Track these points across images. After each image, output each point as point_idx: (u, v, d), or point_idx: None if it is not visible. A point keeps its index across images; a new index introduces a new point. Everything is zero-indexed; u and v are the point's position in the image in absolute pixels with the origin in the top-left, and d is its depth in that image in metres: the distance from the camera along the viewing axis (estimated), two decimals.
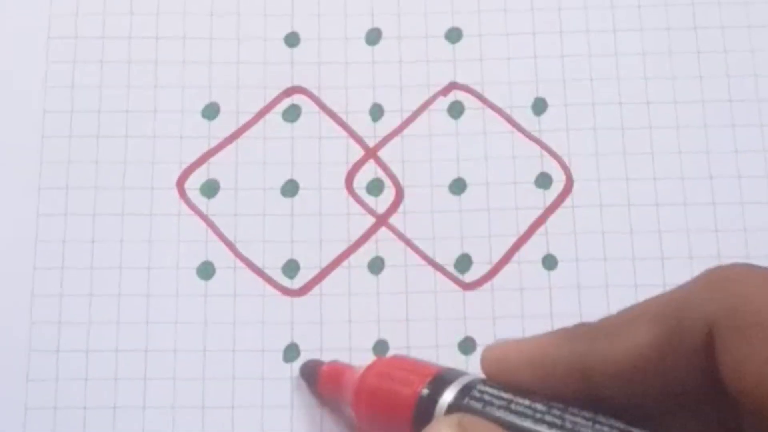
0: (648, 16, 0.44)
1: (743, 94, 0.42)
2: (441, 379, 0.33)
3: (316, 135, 0.42)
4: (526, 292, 0.41)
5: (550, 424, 0.30)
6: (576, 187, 0.42)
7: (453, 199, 0.42)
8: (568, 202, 0.41)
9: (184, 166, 0.42)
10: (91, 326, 0.40)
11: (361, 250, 0.41)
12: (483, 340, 0.40)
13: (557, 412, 0.30)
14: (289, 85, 0.43)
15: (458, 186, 0.42)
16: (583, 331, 0.30)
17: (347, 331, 0.40)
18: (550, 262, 0.41)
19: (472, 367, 0.39)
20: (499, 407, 0.30)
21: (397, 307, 0.40)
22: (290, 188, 0.42)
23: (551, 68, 0.43)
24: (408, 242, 0.41)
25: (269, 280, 0.41)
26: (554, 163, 0.42)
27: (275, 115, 0.43)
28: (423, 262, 0.41)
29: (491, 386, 0.31)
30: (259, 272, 0.41)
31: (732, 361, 0.27)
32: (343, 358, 0.40)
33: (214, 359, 0.40)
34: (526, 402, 0.30)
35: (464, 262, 0.41)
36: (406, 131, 0.42)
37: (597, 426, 0.29)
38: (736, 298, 0.27)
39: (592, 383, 0.29)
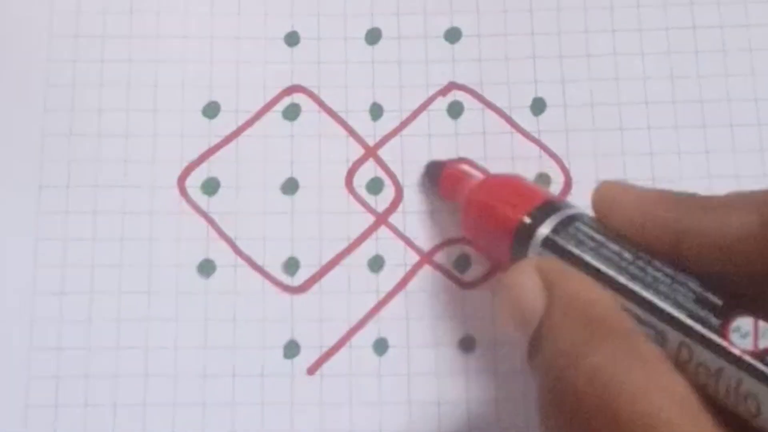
0: (647, 16, 0.44)
1: (742, 93, 0.43)
2: (545, 208, 0.35)
3: (315, 134, 0.43)
4: None
5: (632, 275, 0.31)
6: (575, 187, 0.42)
7: None
8: None
9: (185, 165, 0.42)
10: (92, 324, 0.40)
11: (361, 248, 0.41)
12: (482, 339, 0.40)
13: (641, 264, 0.32)
14: (289, 84, 0.43)
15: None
16: (687, 199, 0.33)
17: (347, 329, 0.40)
18: None
19: (473, 366, 0.40)
20: (590, 248, 0.32)
21: (397, 305, 0.41)
22: (290, 186, 0.42)
23: (550, 69, 0.43)
24: (407, 241, 0.41)
25: (269, 277, 0.41)
26: (553, 163, 0.42)
27: (275, 114, 0.43)
28: (422, 261, 0.41)
29: (588, 225, 0.33)
30: (260, 269, 0.41)
31: None
32: (343, 355, 0.40)
33: (214, 356, 0.40)
34: (616, 248, 0.32)
35: (463, 261, 0.41)
36: (405, 131, 0.43)
37: (675, 285, 0.31)
38: None
39: (683, 248, 0.32)
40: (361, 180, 0.42)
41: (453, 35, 0.44)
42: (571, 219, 0.34)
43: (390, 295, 0.41)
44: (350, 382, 0.40)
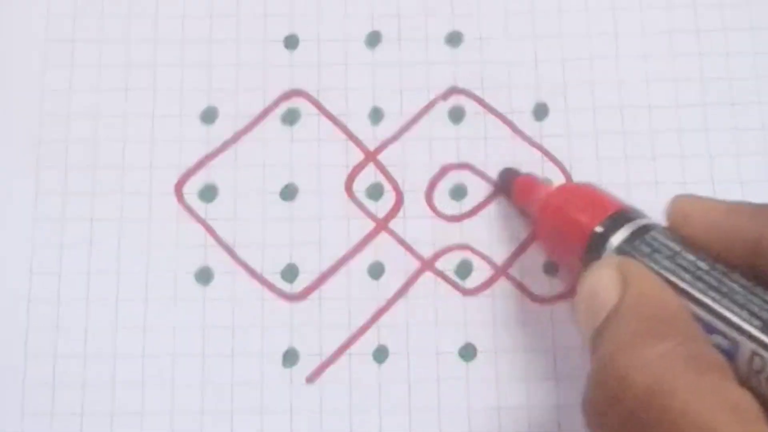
0: (649, 19, 0.43)
1: (745, 96, 0.42)
2: (619, 217, 0.35)
3: (315, 138, 0.42)
4: (527, 298, 0.40)
5: (707, 284, 0.32)
6: None
7: (453, 205, 0.41)
8: None
9: (183, 171, 0.42)
10: (89, 331, 0.40)
11: (361, 254, 0.41)
12: (483, 346, 0.40)
13: (717, 275, 0.32)
14: (288, 88, 0.43)
15: (459, 191, 0.41)
16: (763, 209, 0.33)
17: (347, 336, 0.40)
18: (550, 268, 0.41)
19: (474, 374, 0.40)
20: (666, 257, 0.33)
21: (397, 312, 0.40)
22: (289, 192, 0.42)
23: (552, 73, 0.43)
24: (408, 247, 0.41)
25: (268, 284, 0.41)
26: (556, 168, 0.42)
27: (274, 119, 0.42)
28: (423, 268, 0.41)
29: (663, 235, 0.34)
30: (258, 277, 0.41)
31: None
32: (343, 362, 0.40)
33: (212, 364, 0.40)
34: (691, 257, 0.33)
35: (464, 268, 0.41)
36: (406, 135, 0.42)
37: (750, 296, 0.31)
38: None
39: (760, 259, 0.32)
40: (361, 185, 0.42)
41: (454, 39, 0.43)
42: (646, 228, 0.34)
43: (390, 302, 0.40)
44: (350, 390, 0.40)
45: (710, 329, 0.31)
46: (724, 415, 0.28)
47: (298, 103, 0.43)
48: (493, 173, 0.41)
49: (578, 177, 0.42)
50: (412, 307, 0.40)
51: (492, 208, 0.41)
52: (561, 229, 0.37)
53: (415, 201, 0.42)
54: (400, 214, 0.42)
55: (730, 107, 0.42)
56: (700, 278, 0.32)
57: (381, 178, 0.42)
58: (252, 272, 0.41)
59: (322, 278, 0.41)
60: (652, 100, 0.42)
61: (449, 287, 0.41)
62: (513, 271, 0.41)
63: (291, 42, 0.43)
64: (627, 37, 0.43)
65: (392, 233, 0.41)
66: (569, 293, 0.40)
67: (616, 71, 0.43)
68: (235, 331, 0.40)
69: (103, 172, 0.41)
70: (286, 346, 0.40)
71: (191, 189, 0.42)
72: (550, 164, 0.42)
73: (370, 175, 0.42)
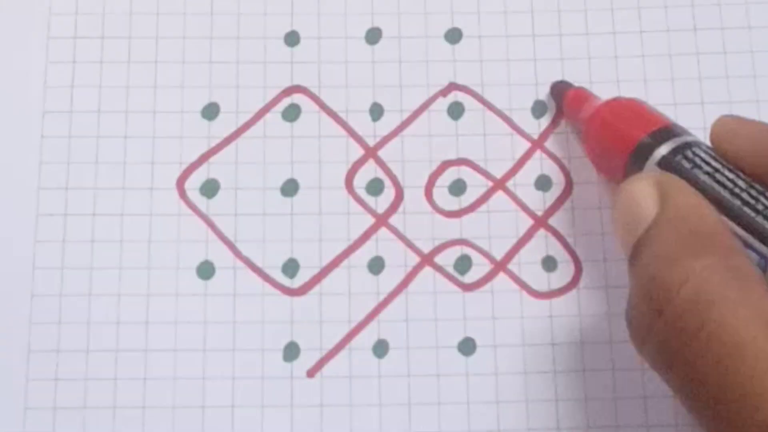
0: (648, 17, 0.43)
1: (743, 95, 0.42)
2: (665, 131, 0.36)
3: (315, 134, 0.42)
4: (526, 293, 0.41)
5: (744, 201, 0.32)
6: (575, 189, 0.42)
7: (453, 200, 0.42)
8: (567, 204, 0.42)
9: (184, 166, 0.42)
10: (91, 326, 0.40)
11: (361, 249, 0.41)
12: (482, 341, 0.40)
13: (755, 193, 0.33)
14: (288, 84, 0.43)
15: (458, 187, 0.42)
16: None
17: (347, 331, 0.40)
18: (549, 263, 0.41)
19: (473, 368, 0.40)
20: (705, 173, 0.34)
21: (397, 307, 0.41)
22: (290, 188, 0.42)
23: (551, 70, 0.43)
24: (408, 242, 0.41)
25: (269, 279, 0.41)
26: (554, 165, 0.42)
27: (275, 115, 0.43)
28: (422, 263, 0.41)
29: (706, 152, 0.34)
30: (259, 272, 0.41)
31: None
32: (343, 357, 0.40)
33: (214, 359, 0.40)
34: (731, 175, 0.33)
35: (464, 263, 0.41)
36: (406, 131, 0.42)
37: None
38: None
39: None
40: (361, 181, 0.42)
41: (454, 35, 0.43)
42: (689, 144, 0.35)
43: (390, 297, 0.41)
44: (350, 385, 0.40)
45: (744, 245, 0.32)
46: (760, 327, 0.29)
47: (298, 99, 0.43)
48: (493, 169, 0.42)
49: (576, 176, 0.42)
50: (412, 301, 0.41)
51: (491, 204, 0.42)
52: (607, 141, 0.38)
53: (414, 196, 0.42)
54: (400, 209, 0.42)
55: (728, 106, 0.42)
56: (737, 195, 0.33)
57: (381, 174, 0.42)
58: (253, 267, 0.41)
59: (323, 273, 0.41)
60: (650, 98, 0.42)
61: (449, 282, 0.41)
62: (512, 266, 0.41)
63: (291, 39, 0.44)
64: (625, 35, 0.43)
65: (392, 228, 0.41)
66: (568, 288, 0.41)
67: (615, 70, 0.43)
68: (236, 325, 0.40)
69: (105, 168, 0.42)
70: (286, 340, 0.40)
71: (193, 184, 0.42)
72: (549, 161, 0.42)
73: (370, 171, 0.42)
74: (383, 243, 0.41)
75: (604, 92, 0.42)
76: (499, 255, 0.41)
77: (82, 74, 0.43)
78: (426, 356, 0.40)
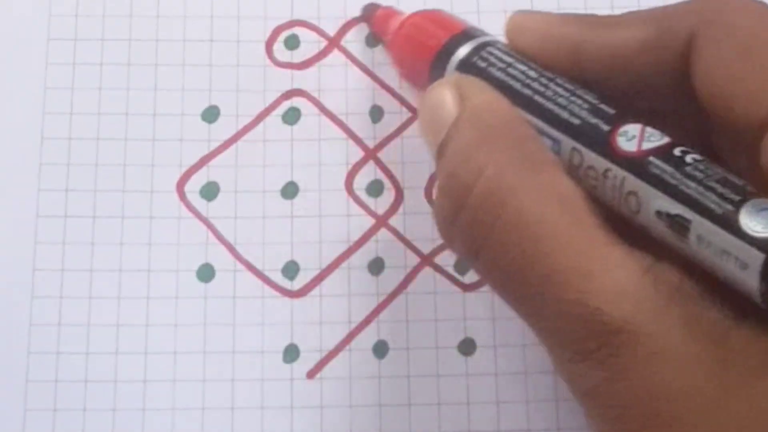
0: None
1: None
2: (461, 36, 0.37)
3: (315, 137, 0.42)
4: None
5: (534, 90, 0.34)
6: None
7: None
8: None
9: (184, 169, 0.42)
10: (91, 328, 0.40)
11: (361, 251, 0.41)
12: (482, 342, 0.40)
13: (545, 81, 0.34)
14: (289, 87, 0.43)
15: None
16: (588, 17, 0.35)
17: (347, 332, 0.40)
18: None
19: (473, 368, 0.40)
20: (499, 69, 0.35)
21: (397, 307, 0.40)
22: (290, 190, 0.42)
23: None
24: (408, 243, 0.41)
25: (269, 281, 0.41)
26: None
27: (275, 118, 0.43)
28: (422, 264, 0.41)
29: (499, 50, 0.35)
30: (259, 274, 0.41)
31: (704, 66, 0.31)
32: (343, 357, 0.40)
33: (213, 361, 0.40)
34: (523, 68, 0.35)
35: (464, 263, 0.41)
36: (405, 132, 0.42)
37: (573, 98, 0.33)
38: (714, 14, 0.32)
39: (583, 64, 0.34)
40: (361, 183, 0.42)
41: None
42: (485, 45, 0.36)
43: (390, 298, 0.41)
44: (350, 386, 0.40)
45: (540, 132, 0.33)
46: (553, 206, 0.30)
47: (298, 102, 0.43)
48: None
49: None
50: (412, 302, 0.41)
51: None
52: (410, 52, 0.39)
53: (414, 197, 0.42)
54: (400, 210, 0.42)
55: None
56: (528, 85, 0.34)
57: (381, 176, 0.42)
58: (253, 269, 0.41)
59: (323, 275, 0.41)
60: None
61: (449, 282, 0.41)
62: None
63: (291, 42, 0.44)
64: None
65: (392, 229, 0.41)
66: None
67: None
68: (236, 327, 0.40)
69: (105, 170, 0.42)
70: (286, 342, 0.40)
71: (193, 187, 0.42)
72: None
73: (370, 173, 0.42)
74: (383, 244, 0.41)
75: None
76: None
77: (82, 76, 0.43)
78: (426, 357, 0.40)
